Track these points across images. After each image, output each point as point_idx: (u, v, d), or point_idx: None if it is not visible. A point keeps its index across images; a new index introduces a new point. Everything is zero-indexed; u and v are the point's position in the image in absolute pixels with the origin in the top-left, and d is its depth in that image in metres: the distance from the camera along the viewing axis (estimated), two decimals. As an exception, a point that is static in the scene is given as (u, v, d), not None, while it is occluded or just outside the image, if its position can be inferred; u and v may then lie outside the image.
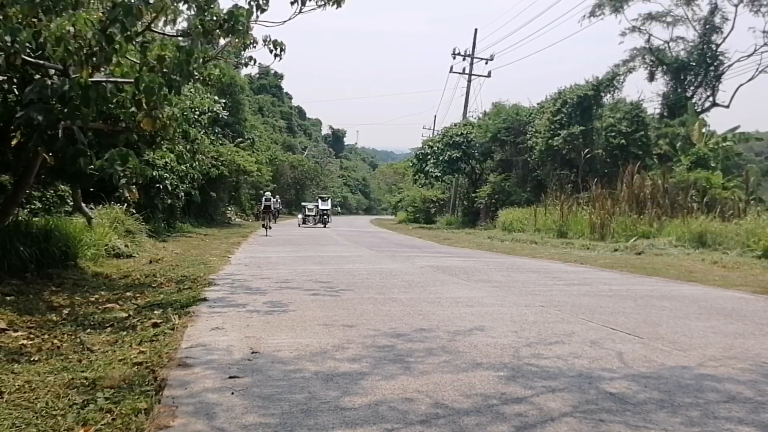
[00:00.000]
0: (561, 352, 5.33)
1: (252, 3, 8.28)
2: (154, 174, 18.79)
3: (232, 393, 4.04)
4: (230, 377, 4.40)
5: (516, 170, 35.45)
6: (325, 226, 38.10)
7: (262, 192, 37.08)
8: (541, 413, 3.75)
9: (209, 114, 23.96)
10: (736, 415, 3.78)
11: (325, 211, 40.09)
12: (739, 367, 4.94)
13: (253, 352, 5.16)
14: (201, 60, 8.08)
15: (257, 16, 8.36)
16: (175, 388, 4.11)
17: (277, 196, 31.45)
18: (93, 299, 8.15)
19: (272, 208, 28.10)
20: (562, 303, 8.16)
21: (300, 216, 41.03)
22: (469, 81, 45.70)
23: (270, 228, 26.89)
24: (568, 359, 5.09)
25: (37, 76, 7.46)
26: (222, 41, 8.74)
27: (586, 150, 29.74)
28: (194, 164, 24.16)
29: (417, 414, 3.69)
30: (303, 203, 45.46)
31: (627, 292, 9.34)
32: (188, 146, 20.26)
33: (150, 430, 3.41)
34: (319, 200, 42.33)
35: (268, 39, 8.80)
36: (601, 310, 7.66)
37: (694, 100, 36.58)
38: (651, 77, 39.39)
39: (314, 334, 5.98)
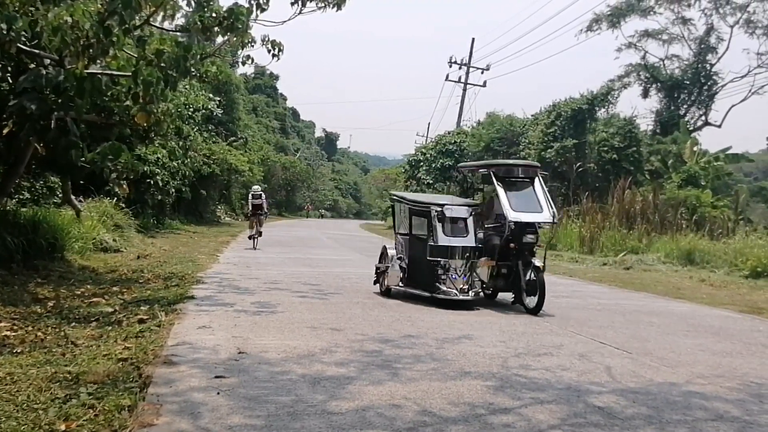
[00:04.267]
0: (549, 364, 5.31)
1: (252, 2, 8.24)
2: (145, 169, 18.66)
3: (218, 393, 3.99)
4: (216, 377, 4.34)
5: (508, 181, 35.41)
6: (535, 311, 8.33)
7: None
8: (529, 425, 3.72)
9: (203, 111, 23.89)
10: (723, 434, 3.77)
11: (532, 237, 8.85)
12: (726, 385, 4.94)
13: (239, 353, 5.11)
14: (198, 56, 8.04)
15: (257, 15, 8.32)
16: (159, 386, 4.05)
17: (264, 195, 20.36)
18: (79, 293, 8.07)
19: (263, 210, 19.52)
20: (550, 315, 8.14)
21: (391, 254, 9.55)
22: (465, 90, 45.75)
23: (258, 237, 18.69)
24: (557, 371, 5.07)
25: (32, 66, 7.39)
26: (220, 39, 8.69)
27: (578, 163, 29.82)
28: (186, 161, 24.03)
29: (404, 421, 3.65)
30: (396, 195, 10.57)
31: (616, 307, 9.35)
32: (181, 143, 20.20)
33: (133, 428, 3.35)
34: (497, 186, 9.11)
35: (267, 39, 8.77)
36: (590, 323, 7.65)
37: (686, 119, 36.80)
38: (645, 94, 39.61)
39: (302, 336, 5.94)
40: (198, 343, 5.36)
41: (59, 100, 7.00)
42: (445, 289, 8.51)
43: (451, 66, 45.65)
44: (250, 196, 20.13)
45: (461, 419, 3.75)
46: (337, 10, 8.88)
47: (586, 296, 10.63)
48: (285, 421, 3.54)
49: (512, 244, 8.75)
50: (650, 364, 5.57)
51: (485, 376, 4.81)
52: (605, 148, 29.32)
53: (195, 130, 25.33)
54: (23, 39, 6.99)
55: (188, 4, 8.39)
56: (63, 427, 3.39)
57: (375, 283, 9.74)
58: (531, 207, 9.09)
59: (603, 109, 32.42)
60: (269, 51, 8.76)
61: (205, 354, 5.01)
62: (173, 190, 23.09)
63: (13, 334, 5.60)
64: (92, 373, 4.32)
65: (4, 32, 6.23)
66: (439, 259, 8.59)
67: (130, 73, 7.12)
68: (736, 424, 3.98)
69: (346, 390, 4.20)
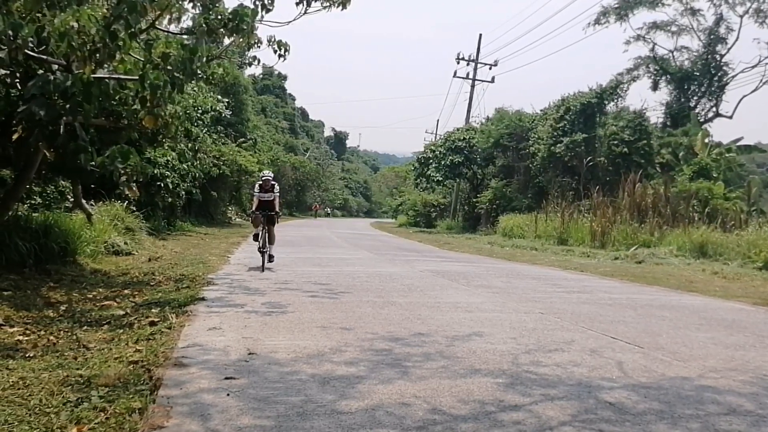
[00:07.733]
0: (560, 360, 5.29)
1: (257, 3, 8.26)
2: (155, 172, 18.75)
3: (228, 394, 4.00)
4: (226, 378, 4.36)
5: (518, 176, 35.35)
6: None
7: None
8: (539, 422, 3.70)
9: (212, 113, 23.94)
10: (737, 428, 3.74)
11: None
12: (740, 379, 4.90)
13: (249, 353, 5.12)
14: (205, 58, 8.06)
15: (262, 16, 8.34)
16: (170, 388, 4.07)
17: (277, 186, 13.09)
18: (91, 296, 8.12)
19: (275, 209, 12.82)
20: (561, 310, 8.11)
21: None
22: (473, 86, 45.67)
23: (269, 252, 12.34)
24: (568, 367, 5.04)
25: (40, 71, 7.43)
26: (226, 40, 8.71)
27: (588, 158, 29.69)
28: (196, 163, 24.11)
29: (414, 419, 3.65)
30: None
31: (627, 301, 9.30)
32: (190, 145, 20.29)
33: (144, 430, 3.37)
34: None
35: (273, 39, 8.79)
36: (601, 318, 7.61)
37: (697, 110, 36.57)
38: (655, 86, 39.41)
39: (312, 336, 5.94)
40: (208, 345, 5.38)
41: (67, 105, 7.04)
42: None
43: (459, 62, 45.65)
44: (257, 187, 13.20)
45: (471, 417, 3.74)
46: (342, 9, 8.89)
47: (597, 291, 10.58)
48: (295, 421, 3.54)
49: None
50: (662, 358, 5.54)
51: (495, 373, 4.80)
52: (615, 142, 29.20)
53: (204, 132, 25.42)
54: (30, 45, 7.03)
55: (193, 7, 8.43)
56: (74, 431, 3.41)
57: None
58: None
59: (612, 103, 32.29)
60: (275, 51, 8.79)
61: (215, 355, 5.02)
62: (183, 192, 23.17)
63: (26, 338, 5.65)
64: (104, 376, 4.35)
65: (11, 39, 6.28)
66: None
67: (137, 77, 7.17)
68: (749, 417, 3.95)
69: (355, 389, 4.20)
